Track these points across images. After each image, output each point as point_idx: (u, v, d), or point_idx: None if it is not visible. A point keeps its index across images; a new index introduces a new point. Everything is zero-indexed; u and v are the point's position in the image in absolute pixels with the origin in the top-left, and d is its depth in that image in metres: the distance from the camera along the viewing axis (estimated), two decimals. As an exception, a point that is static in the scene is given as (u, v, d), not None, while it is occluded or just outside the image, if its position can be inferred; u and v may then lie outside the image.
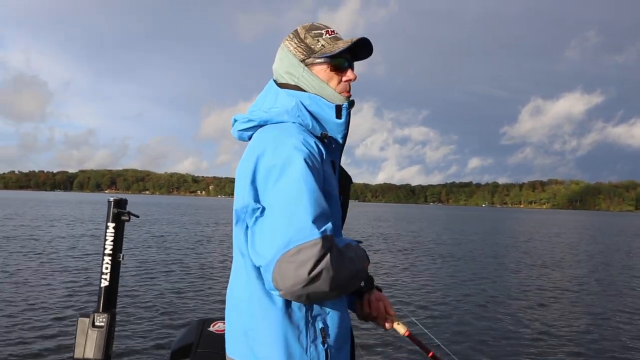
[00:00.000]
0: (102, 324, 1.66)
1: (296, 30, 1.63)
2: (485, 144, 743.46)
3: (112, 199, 1.69)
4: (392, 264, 14.69)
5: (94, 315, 1.67)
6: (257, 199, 1.37)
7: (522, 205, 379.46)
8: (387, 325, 1.67)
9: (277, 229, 1.29)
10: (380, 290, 1.73)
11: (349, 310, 1.68)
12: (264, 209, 1.35)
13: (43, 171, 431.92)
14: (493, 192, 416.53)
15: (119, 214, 1.71)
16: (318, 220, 1.29)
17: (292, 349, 1.38)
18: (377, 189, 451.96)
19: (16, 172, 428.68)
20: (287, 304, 1.39)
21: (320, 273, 1.25)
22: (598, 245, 24.60)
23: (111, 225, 1.69)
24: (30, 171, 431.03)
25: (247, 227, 1.40)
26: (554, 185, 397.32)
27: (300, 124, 1.50)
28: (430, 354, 1.74)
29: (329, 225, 1.31)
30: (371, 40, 1.60)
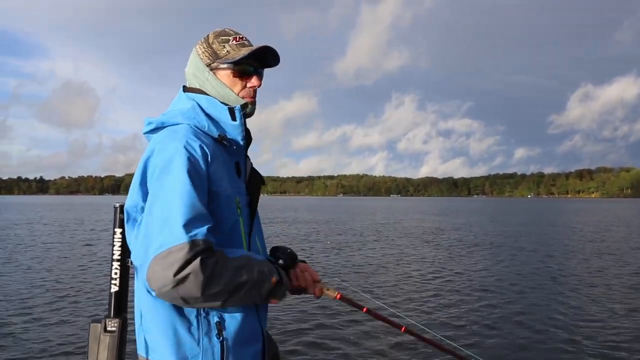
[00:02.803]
0: (114, 329, 1.67)
1: (207, 35, 1.70)
2: (531, 133, 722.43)
3: (117, 204, 1.70)
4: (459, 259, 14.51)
5: (105, 321, 1.68)
6: (145, 199, 1.45)
7: (569, 195, 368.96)
8: (317, 292, 1.74)
9: (152, 232, 1.36)
10: (304, 262, 1.80)
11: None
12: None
13: (92, 176, 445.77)
14: (538, 182, 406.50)
15: (126, 219, 1.71)
16: (189, 224, 1.33)
17: (183, 340, 1.46)
18: (419, 183, 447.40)
19: (66, 177, 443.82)
20: None
21: (186, 276, 1.30)
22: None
23: (118, 230, 1.70)
24: (79, 176, 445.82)
25: (127, 220, 1.52)
26: (602, 173, 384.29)
27: (195, 126, 1.55)
28: (364, 310, 1.84)
29: (202, 230, 1.35)
30: (275, 48, 1.65)
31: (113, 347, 1.66)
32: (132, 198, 1.50)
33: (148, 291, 1.45)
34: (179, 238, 1.31)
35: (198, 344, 1.46)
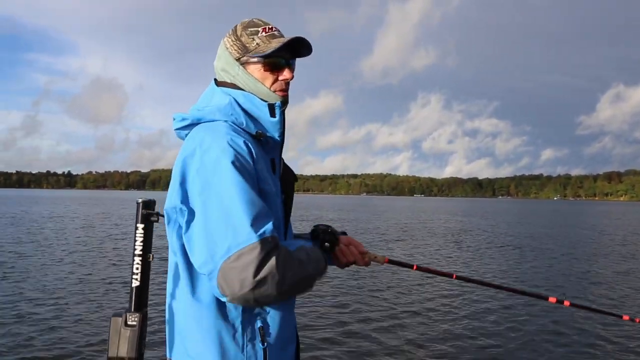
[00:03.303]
0: (134, 323, 1.69)
1: (235, 27, 1.63)
2: (559, 134, 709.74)
3: (140, 200, 1.71)
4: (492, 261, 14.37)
5: (126, 315, 1.69)
6: (185, 201, 1.38)
7: (596, 198, 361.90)
8: (366, 262, 1.75)
9: (215, 236, 1.30)
10: (345, 234, 1.79)
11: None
12: (194, 213, 1.36)
13: (118, 171, 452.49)
14: (565, 184, 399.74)
15: (148, 215, 1.72)
16: (255, 223, 1.29)
17: (227, 347, 1.41)
18: (443, 184, 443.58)
19: (93, 172, 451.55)
20: (221, 302, 1.41)
21: (265, 277, 1.26)
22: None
23: (140, 226, 1.71)
24: (106, 171, 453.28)
25: (179, 227, 1.43)
26: (632, 176, 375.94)
27: (233, 123, 1.50)
28: (415, 267, 1.92)
29: (269, 226, 1.31)
30: (308, 39, 1.58)
31: (133, 341, 1.67)
32: (171, 199, 1.43)
33: (193, 295, 1.43)
34: (248, 238, 1.26)
35: (242, 351, 1.43)
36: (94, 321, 7.09)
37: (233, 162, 1.34)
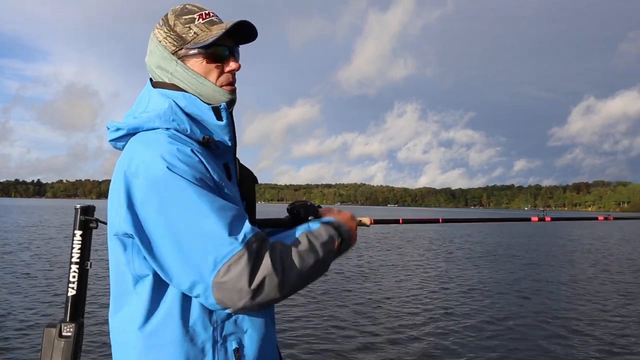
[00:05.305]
0: (70, 334, 1.63)
1: (166, 16, 1.43)
2: (532, 145, 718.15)
3: (78, 206, 1.66)
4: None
5: (60, 325, 1.63)
6: (138, 226, 1.21)
7: (566, 208, 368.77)
8: (354, 226, 1.56)
9: (195, 255, 1.16)
10: (320, 207, 1.64)
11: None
12: (151, 238, 1.20)
13: (89, 180, 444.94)
14: (536, 194, 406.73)
15: (87, 221, 1.67)
16: (232, 229, 1.17)
17: None
18: (417, 194, 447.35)
19: (64, 181, 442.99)
20: (186, 324, 1.25)
21: (262, 281, 1.16)
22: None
23: (78, 232, 1.66)
24: (77, 180, 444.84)
25: (138, 250, 1.25)
26: (600, 187, 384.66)
27: (175, 130, 1.33)
28: (401, 221, 1.94)
29: (247, 226, 1.20)
30: (252, 22, 1.41)
31: (67, 353, 1.61)
32: (118, 225, 1.25)
33: (148, 320, 1.25)
34: (232, 248, 1.15)
35: None
36: (27, 333, 6.87)
37: (184, 175, 1.21)
